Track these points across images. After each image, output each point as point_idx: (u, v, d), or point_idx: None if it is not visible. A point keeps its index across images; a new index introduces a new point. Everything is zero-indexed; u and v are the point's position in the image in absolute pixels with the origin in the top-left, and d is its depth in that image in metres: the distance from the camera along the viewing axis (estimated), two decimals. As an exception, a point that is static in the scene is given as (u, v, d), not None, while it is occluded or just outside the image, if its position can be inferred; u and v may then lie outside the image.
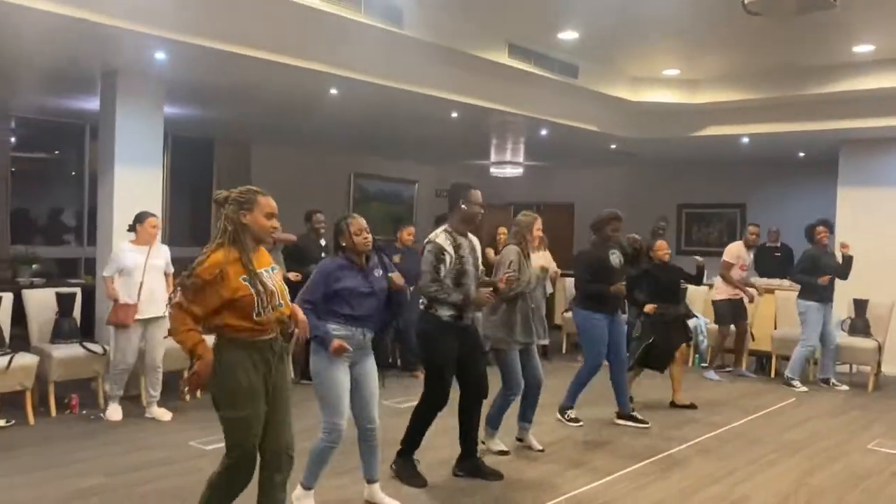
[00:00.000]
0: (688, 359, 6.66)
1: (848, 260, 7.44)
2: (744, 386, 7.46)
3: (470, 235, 4.37)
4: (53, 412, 5.52)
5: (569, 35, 6.96)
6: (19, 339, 5.69)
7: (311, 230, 7.27)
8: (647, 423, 5.73)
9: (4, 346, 5.36)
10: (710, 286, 8.22)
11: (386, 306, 3.83)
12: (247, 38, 5.62)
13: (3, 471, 4.33)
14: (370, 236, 3.73)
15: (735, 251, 7.95)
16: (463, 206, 4.26)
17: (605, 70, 8.24)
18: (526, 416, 5.09)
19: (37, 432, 5.14)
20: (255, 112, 8.52)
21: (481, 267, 4.47)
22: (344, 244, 3.71)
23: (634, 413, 5.81)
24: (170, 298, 3.04)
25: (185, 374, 2.84)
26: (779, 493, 4.39)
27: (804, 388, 7.37)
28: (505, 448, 4.93)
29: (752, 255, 8.03)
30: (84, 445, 4.86)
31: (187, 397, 6.03)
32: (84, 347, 5.68)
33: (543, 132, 9.26)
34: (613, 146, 10.27)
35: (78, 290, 6.02)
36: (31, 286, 6.91)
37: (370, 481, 3.92)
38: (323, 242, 7.18)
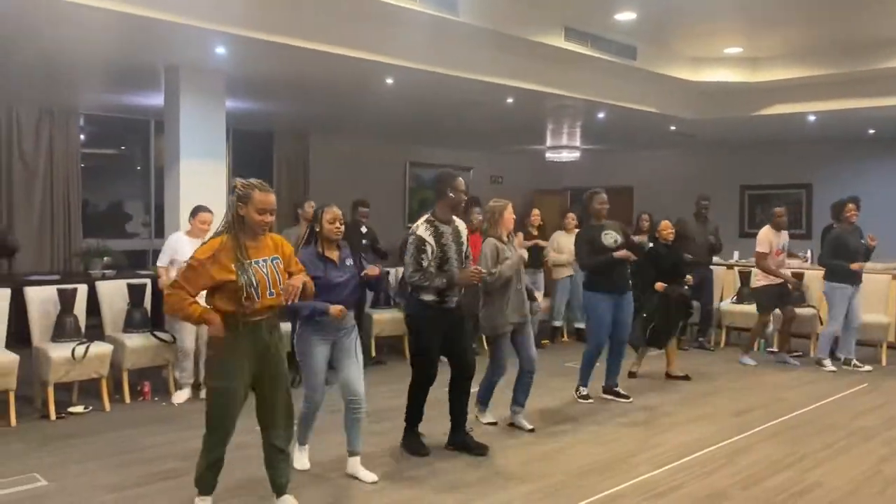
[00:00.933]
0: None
1: (869, 251, 7.30)
2: (812, 371, 7.26)
3: (456, 220, 4.59)
4: (127, 399, 5.73)
5: (626, 16, 6.85)
6: (94, 328, 5.90)
7: (353, 220, 7.33)
8: (630, 398, 5.87)
9: (81, 335, 5.58)
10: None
11: (364, 287, 4.29)
12: (304, 31, 5.70)
13: (81, 455, 4.52)
14: (342, 227, 4.07)
15: (765, 238, 7.64)
16: (451, 194, 4.48)
17: (663, 50, 8.08)
18: (518, 401, 5.12)
19: (112, 418, 5.34)
20: (313, 103, 8.64)
21: (466, 249, 4.60)
22: (318, 230, 4.02)
23: (618, 388, 5.94)
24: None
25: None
26: (852, 480, 4.27)
27: (833, 368, 7.22)
28: (494, 420, 5.12)
29: (784, 237, 7.72)
30: (157, 431, 5.03)
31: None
32: (154, 336, 5.86)
33: (601, 115, 9.15)
34: (673, 128, 10.09)
35: (148, 282, 6.20)
36: (103, 278, 7.16)
37: (351, 454, 4.15)
38: (364, 230, 7.36)
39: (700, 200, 8.41)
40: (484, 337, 4.99)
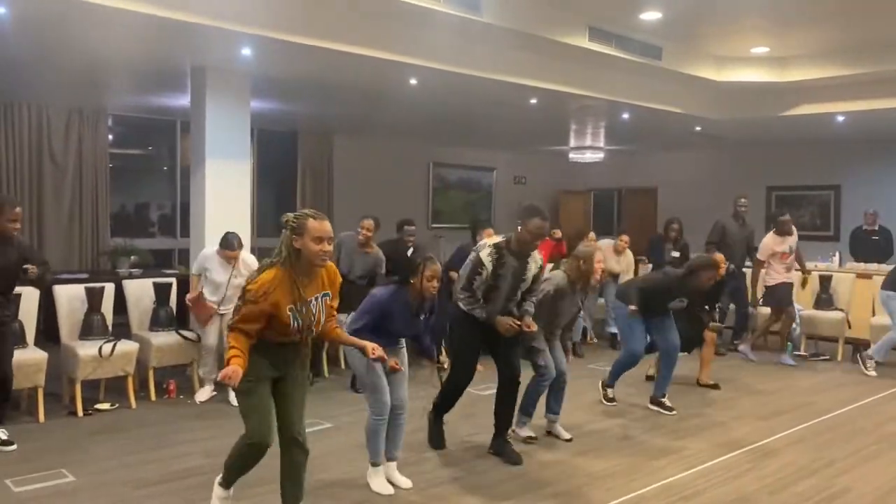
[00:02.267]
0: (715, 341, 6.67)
1: None
2: (840, 375, 7.15)
3: (533, 257, 4.40)
4: (153, 396, 5.78)
5: (651, 15, 6.79)
6: (121, 327, 5.97)
7: (400, 239, 7.00)
8: (674, 411, 5.64)
9: (108, 333, 5.64)
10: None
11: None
12: (329, 32, 5.73)
13: (108, 452, 4.57)
14: (438, 285, 3.93)
15: (765, 246, 7.64)
16: (519, 228, 4.32)
17: (689, 50, 8.02)
18: (552, 409, 5.01)
19: (138, 415, 5.39)
20: (337, 104, 8.67)
21: (532, 283, 4.46)
22: (413, 282, 3.87)
23: (663, 400, 5.72)
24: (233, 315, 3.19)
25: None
26: (881, 486, 4.20)
27: (874, 374, 7.05)
28: (532, 434, 4.92)
29: (791, 240, 7.64)
30: (183, 428, 5.07)
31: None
32: (180, 335, 5.92)
33: (625, 116, 9.09)
34: (698, 128, 10.00)
35: (173, 280, 6.26)
36: (130, 277, 7.24)
37: (390, 459, 4.07)
38: (410, 252, 6.97)
39: (738, 199, 8.26)
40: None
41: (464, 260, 4.51)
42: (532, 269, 4.42)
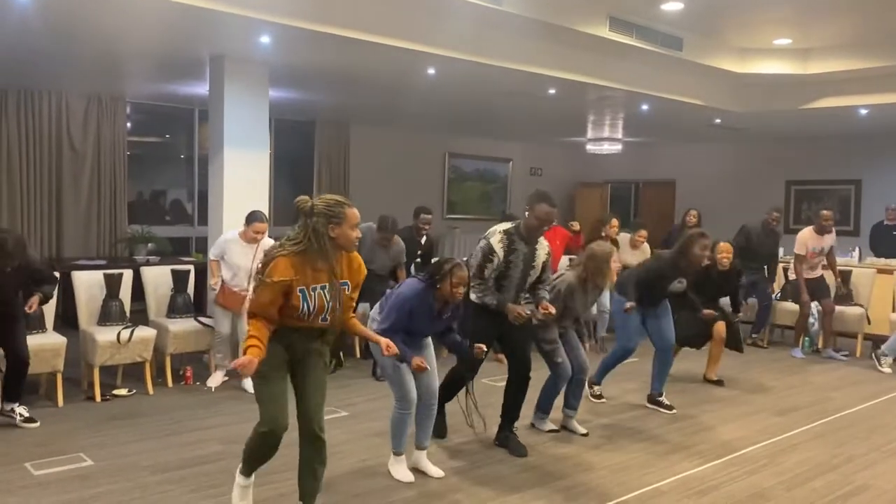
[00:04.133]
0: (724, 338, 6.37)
1: None
2: (858, 371, 7.08)
3: (541, 243, 4.41)
4: (170, 383, 5.82)
5: (673, 6, 6.72)
6: (139, 313, 6.01)
7: (415, 227, 7.00)
8: (674, 409, 5.48)
9: (126, 320, 5.68)
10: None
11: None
12: (347, 21, 5.71)
13: (126, 437, 4.61)
14: (464, 290, 3.90)
15: (801, 240, 7.53)
16: (527, 213, 4.33)
17: (710, 41, 7.93)
18: (570, 404, 4.94)
19: (156, 401, 5.43)
20: (355, 93, 8.66)
21: (543, 271, 4.46)
22: (439, 287, 3.83)
23: (661, 399, 5.56)
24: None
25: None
26: (901, 483, 4.16)
27: (889, 370, 6.96)
28: (555, 427, 4.89)
29: (828, 241, 7.54)
30: (199, 415, 5.10)
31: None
32: (198, 321, 5.95)
33: (644, 107, 9.02)
34: (718, 121, 9.90)
35: (191, 268, 6.29)
36: (148, 264, 7.29)
37: (419, 447, 4.09)
38: (423, 241, 7.07)
39: (771, 212, 8.10)
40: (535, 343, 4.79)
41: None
42: (541, 255, 4.42)
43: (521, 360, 4.47)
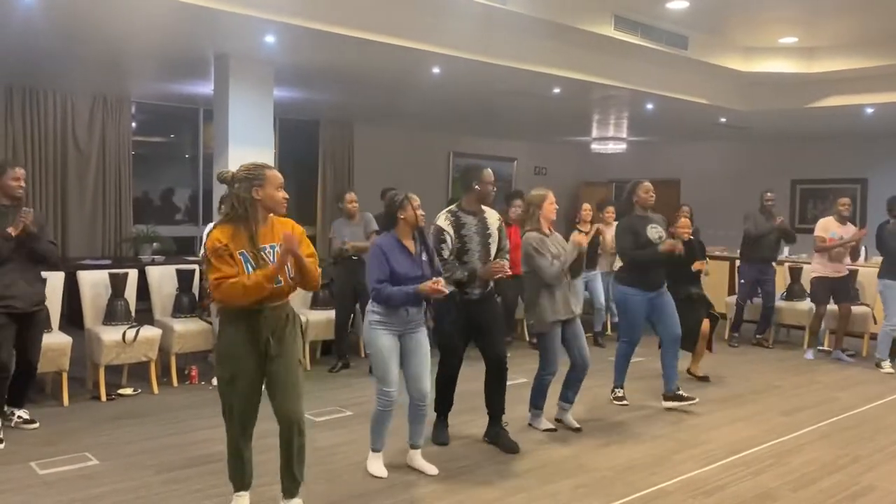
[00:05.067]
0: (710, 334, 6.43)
1: None
2: (864, 371, 7.05)
3: (486, 211, 4.51)
4: (175, 382, 5.83)
5: (678, 4, 6.71)
6: (144, 312, 6.02)
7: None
8: (695, 399, 5.48)
9: (131, 319, 5.69)
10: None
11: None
12: (352, 20, 5.70)
13: (131, 436, 4.62)
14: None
15: (823, 225, 7.53)
16: (476, 186, 4.44)
17: (716, 40, 7.91)
18: (567, 397, 4.95)
19: (161, 401, 5.44)
20: (359, 92, 8.65)
21: (500, 240, 4.52)
22: (403, 217, 3.91)
23: (680, 392, 5.51)
24: (204, 298, 3.17)
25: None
26: (908, 484, 4.14)
27: (891, 370, 6.92)
28: (552, 426, 4.88)
29: (849, 230, 7.53)
30: (204, 414, 5.10)
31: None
32: (203, 321, 5.95)
33: (649, 106, 9.00)
34: (723, 119, 9.87)
35: (196, 268, 6.30)
36: (153, 263, 7.30)
37: (413, 447, 4.12)
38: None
39: (764, 193, 8.10)
40: (530, 335, 4.83)
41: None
42: (493, 222, 4.51)
43: (495, 350, 4.47)
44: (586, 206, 8.21)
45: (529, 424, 4.92)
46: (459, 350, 4.48)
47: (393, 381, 3.89)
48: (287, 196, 3.19)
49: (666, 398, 5.52)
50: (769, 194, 8.11)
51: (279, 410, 3.21)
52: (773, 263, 8.12)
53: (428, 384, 4.03)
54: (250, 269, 3.05)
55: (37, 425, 4.72)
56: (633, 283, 5.36)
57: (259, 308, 3.13)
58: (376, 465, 4.03)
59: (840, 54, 8.03)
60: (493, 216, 4.54)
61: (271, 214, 3.19)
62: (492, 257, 4.46)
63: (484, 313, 4.45)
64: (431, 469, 4.06)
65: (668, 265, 5.48)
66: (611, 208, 8.33)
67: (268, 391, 3.24)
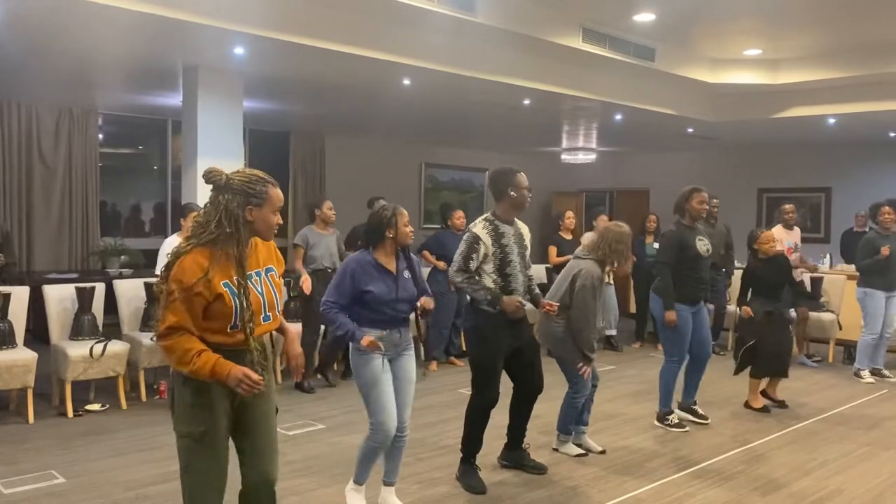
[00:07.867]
0: None
1: None
2: (832, 376, 7.17)
3: (518, 222, 4.13)
4: (144, 397, 5.75)
5: (645, 17, 6.80)
6: (112, 327, 5.92)
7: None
8: (708, 420, 5.41)
9: (98, 334, 5.60)
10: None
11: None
12: (322, 31, 5.71)
13: (99, 452, 4.54)
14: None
15: (777, 236, 7.59)
16: (512, 192, 4.01)
17: (682, 52, 8.04)
18: (582, 420, 4.71)
19: (129, 416, 5.35)
20: (330, 104, 8.65)
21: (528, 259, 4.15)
22: (392, 235, 3.51)
23: (695, 407, 5.44)
24: (155, 326, 2.49)
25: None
26: (874, 487, 4.21)
27: (872, 380, 6.97)
28: (582, 451, 4.65)
29: (796, 235, 7.67)
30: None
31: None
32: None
33: (618, 117, 9.10)
34: (690, 130, 10.02)
35: (163, 281, 6.21)
36: (121, 276, 7.19)
37: (386, 483, 3.71)
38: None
39: (711, 200, 8.14)
40: (555, 357, 4.51)
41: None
42: (525, 232, 4.15)
43: (533, 378, 4.13)
44: (569, 213, 8.25)
45: (555, 449, 4.69)
46: (497, 381, 4.00)
47: (391, 412, 3.46)
48: (280, 222, 2.64)
49: (681, 408, 5.44)
50: (714, 200, 8.05)
51: (250, 472, 2.65)
52: (724, 270, 8.20)
53: (408, 413, 3.63)
54: (236, 302, 2.46)
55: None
56: (679, 298, 5.08)
57: (236, 352, 2.52)
58: (357, 499, 3.65)
59: (803, 66, 8.21)
60: (524, 228, 4.17)
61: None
62: (530, 266, 4.15)
63: (523, 334, 4.11)
64: None
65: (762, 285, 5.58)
66: (653, 217, 8.64)
67: (237, 446, 2.67)
